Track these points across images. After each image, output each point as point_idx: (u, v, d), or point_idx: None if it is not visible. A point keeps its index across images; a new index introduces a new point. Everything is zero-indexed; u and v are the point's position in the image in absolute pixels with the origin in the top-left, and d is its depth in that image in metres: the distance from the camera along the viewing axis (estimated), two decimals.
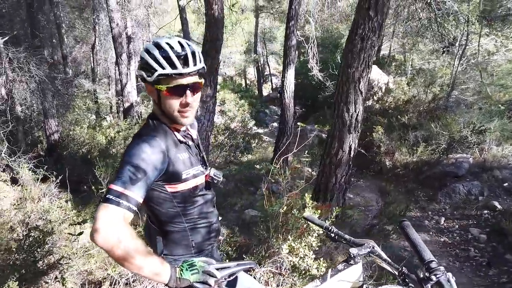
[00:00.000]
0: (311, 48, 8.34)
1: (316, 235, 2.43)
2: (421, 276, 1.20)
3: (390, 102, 11.61)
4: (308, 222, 2.47)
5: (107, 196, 1.30)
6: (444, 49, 9.17)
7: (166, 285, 1.35)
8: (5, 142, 6.30)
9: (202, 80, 1.57)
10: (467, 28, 8.82)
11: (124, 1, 12.43)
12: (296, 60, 8.76)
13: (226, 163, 10.47)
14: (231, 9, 9.27)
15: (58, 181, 4.86)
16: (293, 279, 2.43)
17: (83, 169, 6.94)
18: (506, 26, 8.31)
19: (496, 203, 6.13)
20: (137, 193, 1.34)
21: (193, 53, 1.49)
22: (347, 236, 1.90)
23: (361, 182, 8.60)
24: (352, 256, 1.80)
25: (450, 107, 9.98)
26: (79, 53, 18.17)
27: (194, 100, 1.53)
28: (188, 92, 1.50)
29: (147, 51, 1.50)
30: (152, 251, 1.49)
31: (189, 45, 1.51)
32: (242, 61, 25.60)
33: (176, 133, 1.60)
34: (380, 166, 8.91)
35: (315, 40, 8.39)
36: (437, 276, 1.16)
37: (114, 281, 3.18)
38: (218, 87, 15.14)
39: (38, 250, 2.87)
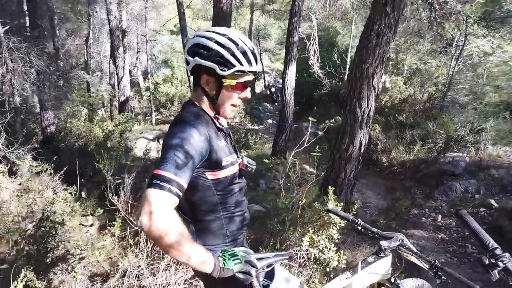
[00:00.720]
0: (312, 45, 8.36)
1: (337, 228, 2.46)
2: (487, 263, 1.22)
3: (387, 101, 11.72)
4: (331, 215, 2.50)
5: (155, 182, 1.28)
6: (443, 49, 9.29)
7: (210, 274, 1.34)
8: (3, 133, 6.20)
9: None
10: (465, 29, 8.93)
11: None
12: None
13: None
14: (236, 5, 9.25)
15: (62, 173, 4.79)
16: (312, 271, 2.46)
17: (82, 162, 6.87)
18: (504, 27, 8.44)
19: (493, 201, 6.24)
20: (184, 179, 1.33)
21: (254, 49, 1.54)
22: (374, 229, 1.92)
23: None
24: (382, 248, 1.83)
25: (446, 107, 10.11)
26: (72, 46, 17.95)
27: (249, 95, 1.61)
28: (248, 88, 1.58)
29: (220, 44, 1.47)
30: None
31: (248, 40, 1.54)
32: None
33: (215, 120, 1.61)
34: (377, 163, 9.00)
35: (316, 37, 8.42)
36: (504, 262, 1.19)
37: (125, 273, 3.17)
38: None
39: (49, 241, 2.84)
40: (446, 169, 7.53)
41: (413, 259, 1.84)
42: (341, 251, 2.44)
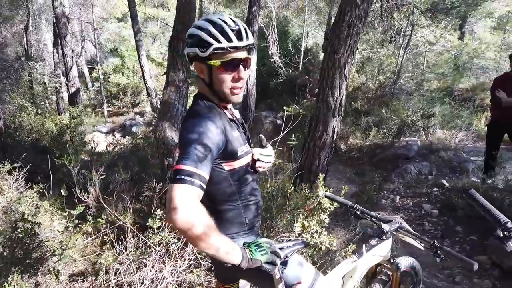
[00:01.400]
0: (271, 35, 8.43)
1: (328, 213, 2.57)
2: (501, 235, 1.34)
3: None
4: (321, 200, 2.59)
5: (178, 176, 1.30)
6: (392, 39, 9.77)
7: (238, 265, 1.38)
8: None
9: (251, 57, 1.60)
10: (412, 20, 9.45)
11: None
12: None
13: None
14: None
15: (26, 171, 4.50)
16: (305, 256, 2.55)
17: (37, 159, 6.48)
18: (448, 18, 9.05)
19: (444, 181, 6.73)
20: (205, 171, 1.36)
21: (245, 28, 1.51)
22: (373, 213, 2.04)
23: None
24: (384, 231, 1.95)
25: (396, 94, 10.67)
26: (9, 34, 16.64)
27: (246, 75, 1.56)
28: (241, 66, 1.52)
29: (199, 27, 1.49)
30: None
31: (239, 21, 1.53)
32: None
33: (226, 111, 1.62)
34: (336, 150, 9.33)
35: (275, 27, 8.49)
36: None
37: (107, 270, 3.08)
38: None
39: (28, 242, 2.70)
40: (400, 153, 7.98)
41: (411, 240, 1.97)
42: (330, 234, 2.56)
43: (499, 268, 4.04)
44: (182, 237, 3.06)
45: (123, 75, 17.02)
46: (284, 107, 4.26)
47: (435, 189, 6.71)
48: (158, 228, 2.94)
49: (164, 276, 2.84)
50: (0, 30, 14.50)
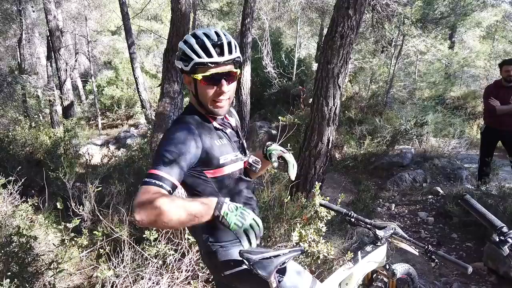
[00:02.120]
0: (265, 46, 8.52)
1: (325, 221, 2.57)
2: (497, 240, 1.36)
3: None
4: (318, 209, 2.60)
5: (144, 180, 1.36)
6: (383, 49, 9.91)
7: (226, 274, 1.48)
8: None
9: (238, 70, 1.62)
10: (403, 30, 9.60)
11: None
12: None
13: None
14: None
15: (20, 184, 4.46)
16: (303, 265, 2.55)
17: (31, 172, 6.43)
18: (438, 28, 9.22)
19: (439, 188, 6.77)
20: (172, 175, 1.39)
21: (229, 43, 1.53)
22: (367, 220, 2.05)
23: None
24: (379, 238, 1.96)
25: (389, 103, 10.78)
26: (2, 47, 16.62)
27: (229, 89, 1.58)
28: (223, 81, 1.54)
29: (185, 41, 1.53)
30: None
31: (225, 35, 1.55)
32: None
33: (212, 120, 1.65)
34: (331, 159, 9.36)
35: (268, 38, 8.59)
36: None
37: (103, 284, 3.05)
38: None
39: (24, 256, 2.67)
40: (395, 161, 8.03)
41: (405, 246, 1.98)
42: (328, 243, 2.56)
43: (495, 274, 4.05)
44: (179, 248, 3.05)
45: (117, 87, 17.05)
46: (279, 117, 4.29)
47: (430, 196, 6.75)
48: (155, 239, 2.92)
49: None
50: None
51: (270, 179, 3.83)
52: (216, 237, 1.66)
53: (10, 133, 7.50)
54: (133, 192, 5.23)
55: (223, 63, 1.51)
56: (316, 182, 2.80)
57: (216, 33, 1.53)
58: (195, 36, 1.52)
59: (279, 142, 3.72)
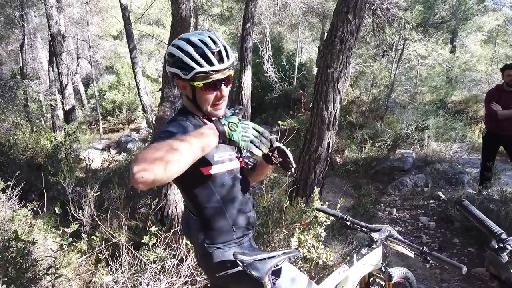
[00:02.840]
0: (265, 51, 8.53)
1: (324, 226, 2.56)
2: (496, 247, 1.34)
3: None
4: (316, 213, 2.59)
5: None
6: (384, 53, 9.90)
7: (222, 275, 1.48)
8: None
9: (232, 72, 1.62)
10: (404, 34, 9.61)
11: None
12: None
13: None
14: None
15: (20, 188, 4.46)
16: (302, 270, 2.52)
17: (31, 176, 6.43)
18: (439, 32, 9.22)
19: (440, 193, 6.74)
20: None
21: (225, 48, 1.53)
22: (363, 223, 2.05)
23: None
24: (374, 240, 1.95)
25: (390, 107, 10.76)
26: (4, 52, 16.72)
27: (226, 92, 1.60)
28: (223, 85, 1.56)
29: (179, 48, 1.51)
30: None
31: (219, 39, 1.54)
32: None
33: (207, 122, 1.64)
34: (332, 163, 9.33)
35: (269, 43, 8.60)
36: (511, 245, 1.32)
37: None
38: None
39: (21, 261, 2.66)
40: (396, 166, 8.00)
41: (401, 248, 1.98)
42: (327, 248, 2.54)
43: (497, 280, 4.02)
44: (177, 254, 3.04)
45: (118, 92, 17.10)
46: (279, 121, 4.29)
47: (431, 201, 6.71)
48: (153, 245, 2.91)
49: None
50: None
51: (270, 184, 3.82)
52: (212, 238, 1.66)
53: (11, 138, 7.50)
54: (132, 197, 5.22)
55: (222, 70, 1.52)
56: (316, 187, 2.78)
57: (211, 38, 1.52)
58: (191, 43, 1.50)
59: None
